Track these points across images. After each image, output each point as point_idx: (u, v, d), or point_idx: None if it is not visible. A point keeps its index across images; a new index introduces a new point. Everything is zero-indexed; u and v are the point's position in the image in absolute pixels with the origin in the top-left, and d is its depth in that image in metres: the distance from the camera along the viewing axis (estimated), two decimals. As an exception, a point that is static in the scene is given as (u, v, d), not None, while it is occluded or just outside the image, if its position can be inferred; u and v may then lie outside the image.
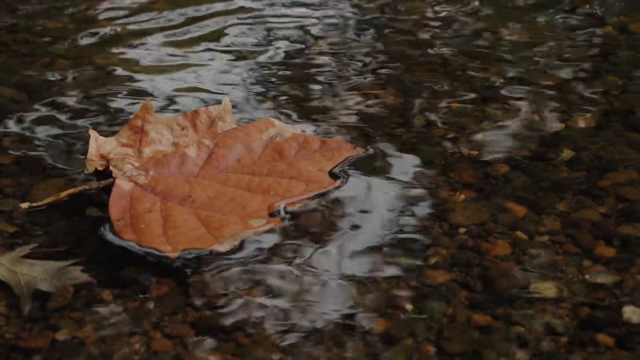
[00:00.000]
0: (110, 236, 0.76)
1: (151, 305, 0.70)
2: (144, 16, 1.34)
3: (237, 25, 1.30)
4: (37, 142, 0.95)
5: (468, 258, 0.74)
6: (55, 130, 0.97)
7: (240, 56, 1.19)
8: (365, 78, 1.11)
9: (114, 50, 1.21)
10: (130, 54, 1.20)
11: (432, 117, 0.99)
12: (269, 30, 1.29)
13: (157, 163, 0.85)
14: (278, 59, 1.18)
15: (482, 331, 0.67)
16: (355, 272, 0.73)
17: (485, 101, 1.03)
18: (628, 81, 1.08)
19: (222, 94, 1.04)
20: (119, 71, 1.14)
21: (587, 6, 1.36)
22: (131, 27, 1.30)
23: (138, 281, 0.72)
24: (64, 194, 0.82)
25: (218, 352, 0.65)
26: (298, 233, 0.78)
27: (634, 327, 0.67)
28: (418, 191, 0.84)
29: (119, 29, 1.29)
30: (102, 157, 0.87)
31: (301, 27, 1.29)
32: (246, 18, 1.33)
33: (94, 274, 0.73)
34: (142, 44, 1.23)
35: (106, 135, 0.89)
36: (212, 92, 1.07)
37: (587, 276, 0.72)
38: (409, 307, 0.69)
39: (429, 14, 1.35)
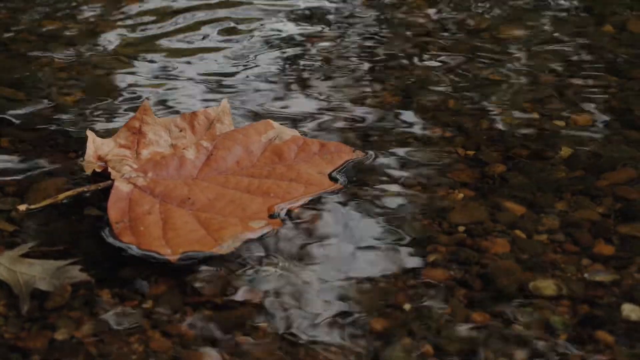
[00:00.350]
0: (110, 239, 0.76)
1: (150, 304, 0.69)
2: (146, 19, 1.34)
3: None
4: (36, 142, 0.94)
5: (467, 256, 0.74)
6: (54, 130, 0.97)
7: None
8: (363, 77, 1.11)
9: (115, 50, 1.21)
10: (132, 54, 1.20)
11: (430, 116, 0.99)
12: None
13: (155, 165, 0.85)
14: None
15: (480, 329, 0.67)
16: (354, 271, 0.73)
17: (483, 99, 1.03)
18: (626, 80, 1.08)
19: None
20: (118, 71, 1.14)
21: (586, 4, 1.36)
22: (133, 28, 1.30)
23: (137, 280, 0.72)
24: (61, 196, 0.81)
25: (217, 351, 0.65)
26: (297, 234, 0.78)
27: (632, 324, 0.67)
28: (417, 191, 0.84)
29: (119, 30, 1.29)
30: (100, 158, 0.86)
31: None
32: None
33: (93, 273, 0.73)
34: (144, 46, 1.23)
35: (104, 136, 0.89)
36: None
37: (586, 274, 0.72)
38: (407, 306, 0.69)
39: (428, 11, 1.35)
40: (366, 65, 1.15)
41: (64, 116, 1.01)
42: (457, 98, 1.03)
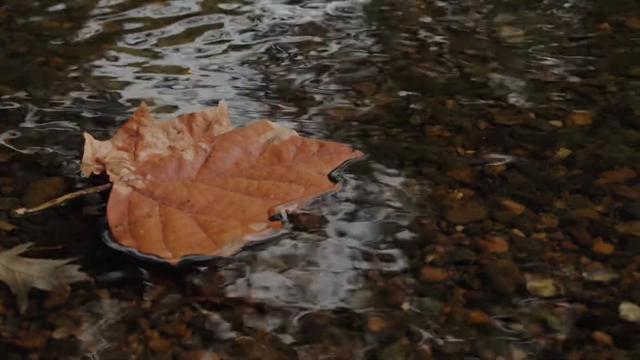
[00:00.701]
0: (109, 243, 0.76)
1: (148, 304, 0.69)
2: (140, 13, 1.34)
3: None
4: (34, 141, 0.94)
5: (465, 256, 0.74)
6: (53, 130, 0.97)
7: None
8: (360, 76, 1.11)
9: (112, 48, 1.21)
10: (128, 53, 1.20)
11: (429, 115, 0.99)
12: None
13: (154, 167, 0.84)
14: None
15: (479, 329, 0.67)
16: (353, 271, 0.73)
17: (481, 99, 1.03)
18: (625, 79, 1.08)
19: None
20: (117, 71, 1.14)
21: (584, 3, 1.36)
22: (127, 24, 1.30)
23: (135, 280, 0.72)
24: (60, 199, 0.81)
25: (215, 351, 0.65)
26: (297, 235, 0.78)
27: (631, 325, 0.67)
28: (416, 190, 0.84)
29: (116, 27, 1.29)
30: (98, 161, 0.86)
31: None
32: None
33: (91, 272, 0.73)
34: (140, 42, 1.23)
35: (102, 137, 0.89)
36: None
37: (584, 274, 0.72)
38: (406, 305, 0.69)
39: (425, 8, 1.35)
40: (365, 65, 1.15)
41: (63, 116, 1.01)
42: (457, 98, 1.03)
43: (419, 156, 0.90)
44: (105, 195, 0.81)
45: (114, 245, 0.75)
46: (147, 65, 1.15)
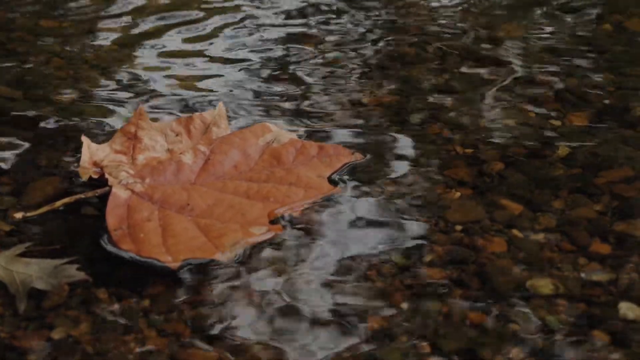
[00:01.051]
0: (108, 246, 0.76)
1: (147, 303, 0.69)
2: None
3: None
4: (32, 141, 0.94)
5: (464, 255, 0.75)
6: (51, 129, 0.97)
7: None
8: (359, 75, 1.11)
9: (110, 48, 1.21)
10: (128, 53, 1.20)
11: (428, 114, 0.99)
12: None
13: (152, 170, 0.84)
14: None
15: (477, 329, 0.67)
16: (352, 271, 0.73)
17: (480, 98, 1.03)
18: (623, 78, 1.08)
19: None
20: (116, 70, 1.14)
21: (583, 2, 1.36)
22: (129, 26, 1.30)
23: (134, 279, 0.72)
24: (58, 203, 0.81)
25: (213, 350, 0.65)
26: (297, 238, 0.78)
27: (629, 323, 0.67)
28: (416, 190, 0.84)
29: (116, 28, 1.29)
30: (96, 164, 0.86)
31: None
32: None
33: (90, 272, 0.72)
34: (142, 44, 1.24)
35: (101, 137, 0.89)
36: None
37: (582, 273, 0.72)
38: (404, 305, 0.69)
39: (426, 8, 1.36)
40: (365, 64, 1.15)
41: (62, 115, 1.01)
42: (456, 97, 1.03)
43: (418, 155, 0.90)
44: (103, 198, 0.81)
45: (112, 249, 0.75)
46: (147, 65, 1.16)
